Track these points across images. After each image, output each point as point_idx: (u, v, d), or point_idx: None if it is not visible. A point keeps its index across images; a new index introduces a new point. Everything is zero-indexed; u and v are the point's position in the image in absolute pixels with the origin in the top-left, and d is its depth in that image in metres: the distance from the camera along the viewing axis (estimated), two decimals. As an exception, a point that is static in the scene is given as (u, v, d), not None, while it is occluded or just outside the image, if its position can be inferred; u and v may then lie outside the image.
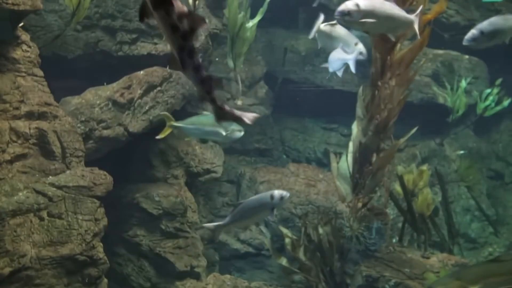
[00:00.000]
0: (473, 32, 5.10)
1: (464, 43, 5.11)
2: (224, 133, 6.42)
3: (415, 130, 6.43)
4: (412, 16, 4.77)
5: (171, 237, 7.20)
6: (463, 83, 8.97)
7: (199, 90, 2.46)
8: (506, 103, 9.10)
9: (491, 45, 5.24)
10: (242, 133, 6.48)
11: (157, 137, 6.47)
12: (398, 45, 5.96)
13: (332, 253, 6.24)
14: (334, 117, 9.50)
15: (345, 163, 6.46)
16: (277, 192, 5.66)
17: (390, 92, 6.00)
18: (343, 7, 4.41)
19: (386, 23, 4.66)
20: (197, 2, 7.28)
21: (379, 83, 6.04)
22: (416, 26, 4.83)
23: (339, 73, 6.41)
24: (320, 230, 6.28)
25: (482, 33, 5.03)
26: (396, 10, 4.66)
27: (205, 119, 6.44)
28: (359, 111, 6.25)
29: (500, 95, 9.09)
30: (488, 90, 9.24)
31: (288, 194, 5.67)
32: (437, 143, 9.38)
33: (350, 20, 4.42)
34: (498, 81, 9.02)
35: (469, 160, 9.39)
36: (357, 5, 4.38)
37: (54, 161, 5.62)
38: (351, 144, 6.44)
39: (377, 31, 5.12)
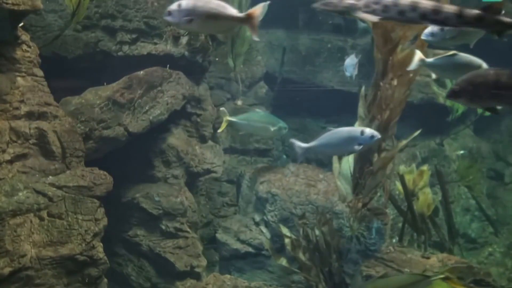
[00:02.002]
0: (432, 26, 4.91)
1: (423, 37, 4.99)
2: (272, 129, 7.19)
3: (417, 133, 6.42)
4: (241, 14, 4.47)
5: (171, 237, 7.20)
6: None
7: None
8: None
9: (453, 44, 5.01)
10: (286, 130, 7.20)
11: (218, 130, 7.36)
12: (400, 46, 5.95)
13: (330, 253, 6.24)
14: (334, 117, 9.50)
15: (347, 163, 6.47)
16: (368, 130, 5.59)
17: (391, 93, 6.00)
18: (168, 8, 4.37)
19: (210, 22, 4.40)
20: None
21: (381, 84, 6.04)
22: (254, 25, 4.54)
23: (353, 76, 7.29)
24: (317, 231, 6.28)
25: (442, 29, 4.84)
26: (221, 9, 4.36)
27: (257, 116, 7.25)
28: (360, 111, 6.25)
29: None
30: None
31: (379, 136, 5.58)
32: (437, 143, 9.38)
33: (173, 20, 4.33)
34: None
35: (469, 160, 9.40)
36: (179, 5, 4.28)
37: (54, 161, 5.62)
38: (352, 144, 6.43)
39: (204, 31, 4.87)
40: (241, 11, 8.75)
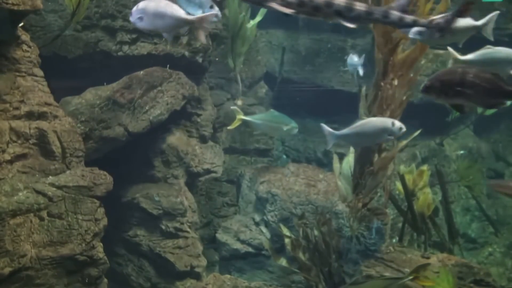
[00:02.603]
0: None
1: (409, 35, 4.99)
2: (284, 128, 7.43)
3: (417, 133, 6.42)
4: (192, 17, 4.67)
5: (171, 237, 7.20)
6: None
7: None
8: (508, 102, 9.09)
9: (442, 43, 4.98)
10: (297, 129, 7.48)
11: (228, 127, 7.64)
12: (401, 46, 5.95)
13: (329, 253, 6.23)
14: (334, 117, 9.49)
15: (347, 163, 6.46)
16: (397, 122, 5.62)
17: (392, 93, 6.00)
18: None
19: (158, 21, 4.66)
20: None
21: (382, 84, 6.04)
22: (201, 29, 4.71)
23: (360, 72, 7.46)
24: (316, 232, 6.27)
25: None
26: (169, 9, 4.65)
27: (270, 116, 7.43)
28: (361, 111, 6.25)
29: None
30: None
31: (405, 129, 5.62)
32: (437, 143, 9.38)
33: (133, 20, 4.69)
34: None
35: (469, 160, 9.40)
36: (136, 5, 4.69)
37: (54, 161, 5.62)
38: (352, 145, 6.43)
39: (154, 29, 5.00)
40: (241, 11, 8.78)
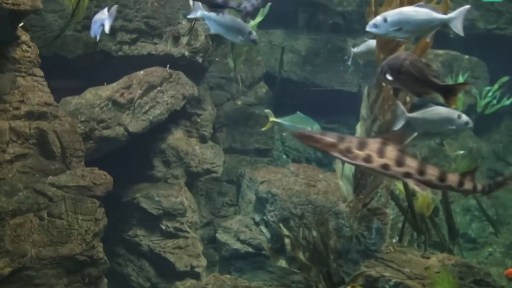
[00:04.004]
0: (377, 18, 4.87)
1: (367, 28, 4.95)
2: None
3: (417, 133, 6.42)
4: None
5: (171, 237, 7.20)
6: (460, 80, 8.97)
7: None
8: (508, 101, 9.11)
9: (401, 37, 4.92)
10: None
11: (262, 129, 7.96)
12: (403, 46, 5.93)
13: (328, 254, 6.23)
14: (334, 117, 9.49)
15: None
16: (464, 115, 5.69)
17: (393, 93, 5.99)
18: None
19: None
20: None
21: (383, 84, 6.03)
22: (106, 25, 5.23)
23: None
24: (314, 233, 6.26)
25: (385, 20, 4.78)
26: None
27: (298, 118, 7.66)
28: (363, 111, 6.23)
29: (502, 91, 9.09)
30: (488, 88, 9.25)
31: (472, 125, 5.73)
32: (437, 143, 9.37)
33: None
34: (504, 78, 9.01)
35: (469, 160, 9.39)
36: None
37: (54, 161, 5.62)
38: (354, 145, 6.42)
39: None
40: (241, 11, 8.74)
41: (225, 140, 8.64)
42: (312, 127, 7.61)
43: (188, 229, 7.25)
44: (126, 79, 7.00)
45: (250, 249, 7.48)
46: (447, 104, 4.80)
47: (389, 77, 4.33)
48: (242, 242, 7.53)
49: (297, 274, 6.67)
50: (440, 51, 9.52)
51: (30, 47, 5.78)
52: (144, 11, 7.33)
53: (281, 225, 6.96)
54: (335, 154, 3.69)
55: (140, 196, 7.26)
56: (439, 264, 5.98)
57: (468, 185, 3.77)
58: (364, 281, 6.01)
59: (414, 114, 5.71)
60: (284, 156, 9.44)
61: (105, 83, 6.99)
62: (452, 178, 3.69)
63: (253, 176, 7.87)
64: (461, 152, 9.37)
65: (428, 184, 3.66)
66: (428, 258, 6.26)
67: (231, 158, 8.53)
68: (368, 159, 3.60)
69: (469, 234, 8.91)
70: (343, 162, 3.77)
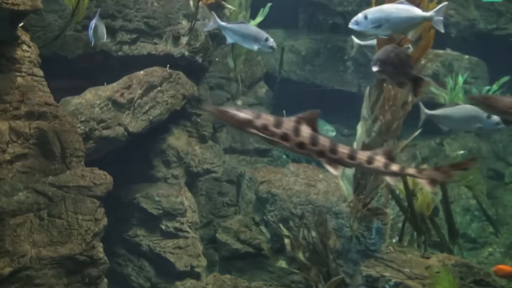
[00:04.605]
0: (358, 15, 4.91)
1: (349, 25, 4.95)
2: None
3: (417, 133, 6.42)
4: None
5: (171, 237, 7.20)
6: (460, 80, 8.97)
7: None
8: None
9: (382, 34, 4.96)
10: (334, 133, 7.18)
11: None
12: (404, 46, 5.94)
13: (327, 254, 6.23)
14: (334, 117, 9.49)
15: None
16: (495, 116, 5.70)
17: (394, 94, 5.99)
18: None
19: None
20: (200, 3, 7.29)
21: (384, 84, 6.03)
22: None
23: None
24: (313, 233, 6.26)
25: (365, 17, 4.82)
26: None
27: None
28: (364, 111, 6.24)
29: (502, 91, 9.08)
30: (487, 87, 9.25)
31: (503, 126, 5.78)
32: (437, 143, 9.37)
33: None
34: (504, 78, 9.01)
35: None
36: None
37: (54, 161, 5.62)
38: (355, 145, 6.43)
39: None
40: (241, 11, 8.77)
41: (225, 140, 8.64)
42: (327, 131, 7.55)
43: (188, 229, 7.25)
44: (126, 79, 6.99)
45: (250, 249, 7.48)
46: (413, 95, 4.84)
47: (375, 68, 4.37)
48: (242, 242, 7.53)
49: (297, 274, 6.67)
50: (440, 51, 9.52)
51: (30, 47, 5.77)
52: (144, 11, 7.33)
53: (280, 225, 6.97)
54: (252, 131, 3.64)
55: (140, 196, 7.26)
56: (439, 264, 5.98)
57: (378, 163, 3.72)
58: (364, 281, 6.01)
59: (435, 112, 5.73)
60: (284, 156, 9.43)
61: (105, 83, 6.99)
62: (362, 156, 3.68)
63: (253, 176, 7.86)
64: (461, 152, 9.37)
65: (339, 162, 3.66)
66: (428, 258, 6.26)
67: (231, 158, 8.53)
68: (285, 137, 3.58)
69: (469, 234, 8.91)
70: (261, 138, 3.73)
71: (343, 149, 3.59)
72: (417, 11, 4.81)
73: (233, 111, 3.69)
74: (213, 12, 6.82)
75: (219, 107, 3.96)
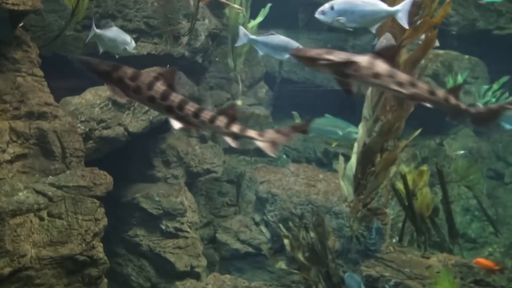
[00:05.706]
0: (325, 5, 4.94)
1: (315, 14, 4.98)
2: (340, 133, 7.55)
3: (417, 133, 6.42)
4: None
5: (171, 237, 7.20)
6: (460, 79, 8.97)
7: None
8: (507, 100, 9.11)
9: (346, 26, 4.96)
10: (357, 134, 7.22)
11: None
12: (405, 47, 5.94)
13: (326, 254, 6.23)
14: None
15: (351, 164, 6.46)
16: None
17: (395, 94, 5.98)
18: None
19: None
20: (200, 3, 7.30)
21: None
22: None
23: None
24: (312, 234, 6.27)
25: (332, 8, 4.86)
26: None
27: (326, 120, 7.65)
28: (365, 111, 6.23)
29: (502, 91, 9.09)
30: (487, 87, 9.26)
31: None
32: (437, 143, 9.37)
33: None
34: (504, 78, 9.02)
35: (469, 160, 9.40)
36: None
37: (54, 161, 5.61)
38: (356, 145, 6.43)
39: None
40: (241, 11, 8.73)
41: (225, 140, 8.63)
42: (349, 133, 7.56)
43: (188, 229, 7.25)
44: (126, 79, 6.98)
45: (250, 249, 7.49)
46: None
47: None
48: (242, 242, 7.53)
49: (296, 274, 6.68)
50: (440, 51, 9.52)
51: (30, 47, 5.77)
52: (144, 11, 7.33)
53: (280, 225, 6.97)
54: (109, 83, 3.76)
55: (140, 196, 7.26)
56: (439, 264, 5.99)
57: (219, 122, 3.72)
58: (364, 281, 6.01)
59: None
60: (284, 156, 9.43)
61: (105, 83, 6.97)
62: (205, 115, 3.65)
63: (253, 176, 7.87)
64: (461, 152, 9.37)
65: (185, 119, 3.65)
66: (428, 258, 6.27)
67: (231, 158, 8.53)
68: (137, 90, 3.62)
69: (469, 234, 8.91)
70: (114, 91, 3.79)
71: (190, 107, 3.57)
72: (382, 5, 4.84)
73: (97, 61, 3.86)
74: (241, 27, 6.94)
75: (85, 57, 4.06)
